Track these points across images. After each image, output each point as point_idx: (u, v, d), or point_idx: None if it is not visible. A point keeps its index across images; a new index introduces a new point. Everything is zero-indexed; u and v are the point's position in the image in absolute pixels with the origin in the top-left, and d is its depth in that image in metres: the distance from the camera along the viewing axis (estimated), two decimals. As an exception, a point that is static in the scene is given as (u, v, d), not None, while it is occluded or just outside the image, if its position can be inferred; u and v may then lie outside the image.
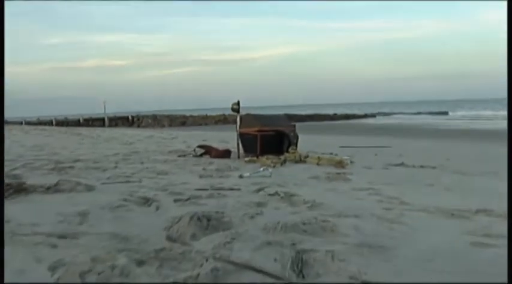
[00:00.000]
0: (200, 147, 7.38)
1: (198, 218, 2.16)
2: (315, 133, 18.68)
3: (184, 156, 7.20)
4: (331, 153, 8.28)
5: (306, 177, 4.62)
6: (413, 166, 6.24)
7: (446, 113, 48.74)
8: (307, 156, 6.63)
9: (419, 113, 51.34)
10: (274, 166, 5.64)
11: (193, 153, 7.22)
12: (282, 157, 6.62)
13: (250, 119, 7.61)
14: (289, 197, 3.08)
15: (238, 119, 7.21)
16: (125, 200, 2.81)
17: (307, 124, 29.56)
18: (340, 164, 5.75)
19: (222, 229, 2.15)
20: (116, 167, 5.20)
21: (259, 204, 2.82)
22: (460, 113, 46.73)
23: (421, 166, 6.20)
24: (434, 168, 6.22)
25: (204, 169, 5.18)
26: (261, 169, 4.55)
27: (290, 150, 7.01)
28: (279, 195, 3.21)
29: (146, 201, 2.84)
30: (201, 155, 7.10)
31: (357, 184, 4.11)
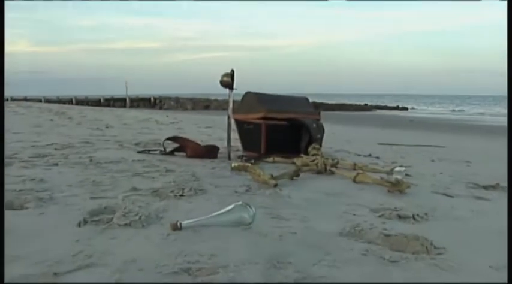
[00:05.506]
0: (171, 139, 4.85)
1: None
2: (345, 124, 16.02)
3: (149, 151, 4.73)
4: (370, 155, 5.67)
5: (335, 231, 2.02)
6: (519, 191, 3.58)
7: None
8: (337, 163, 4.05)
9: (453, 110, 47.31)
10: (276, 185, 3.10)
11: (162, 148, 4.74)
12: (297, 162, 4.09)
13: (252, 100, 5.03)
14: None
15: (230, 100, 4.61)
16: None
17: (336, 114, 26.78)
18: (395, 187, 3.15)
19: None
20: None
21: None
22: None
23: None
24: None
25: (134, 188, 2.66)
26: (232, 205, 2.01)
27: (311, 149, 4.44)
28: None
29: None
30: (171, 152, 4.61)
31: None
